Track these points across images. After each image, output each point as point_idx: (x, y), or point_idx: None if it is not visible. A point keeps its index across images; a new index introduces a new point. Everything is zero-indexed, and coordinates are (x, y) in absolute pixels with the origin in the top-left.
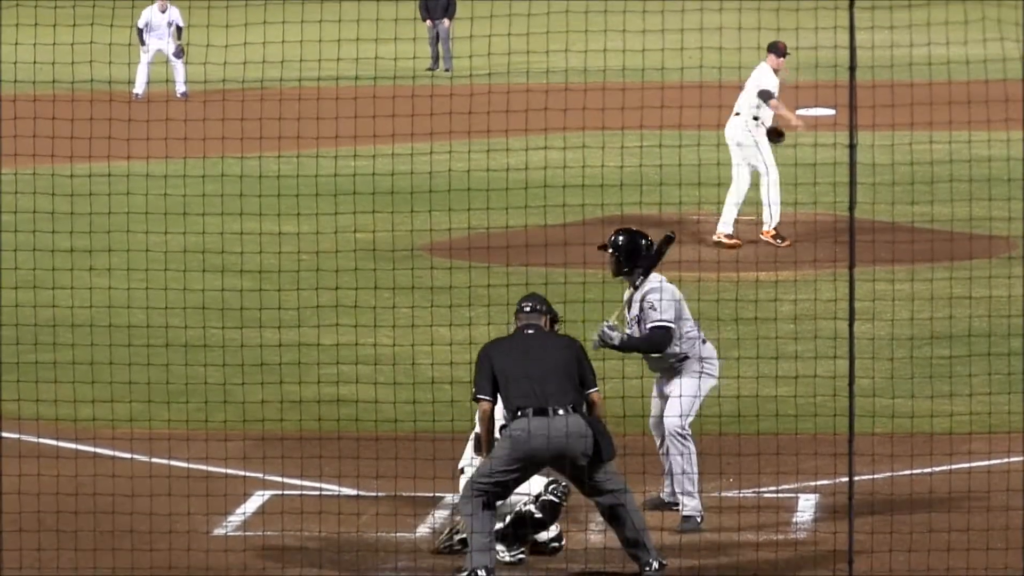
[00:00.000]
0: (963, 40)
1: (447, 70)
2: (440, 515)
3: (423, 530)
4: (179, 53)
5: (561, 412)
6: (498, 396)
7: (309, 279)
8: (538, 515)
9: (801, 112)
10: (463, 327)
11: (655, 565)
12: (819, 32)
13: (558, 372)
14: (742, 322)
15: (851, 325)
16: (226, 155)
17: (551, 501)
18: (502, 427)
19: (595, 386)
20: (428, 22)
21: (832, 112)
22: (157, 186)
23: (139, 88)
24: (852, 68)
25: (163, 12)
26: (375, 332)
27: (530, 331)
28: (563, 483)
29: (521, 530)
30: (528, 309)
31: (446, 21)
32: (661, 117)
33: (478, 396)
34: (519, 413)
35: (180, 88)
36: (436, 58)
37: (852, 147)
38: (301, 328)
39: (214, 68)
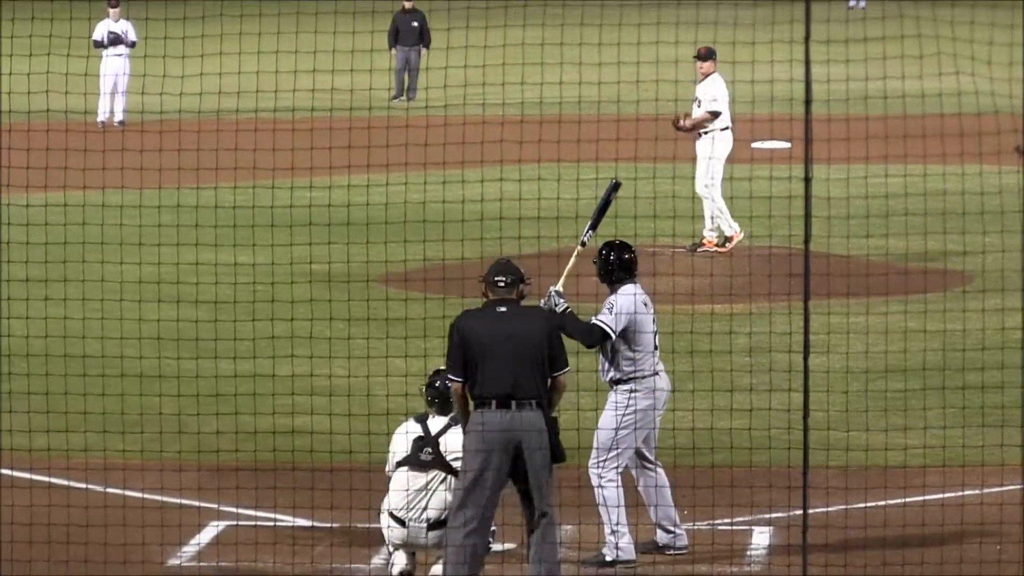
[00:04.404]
0: (918, 74)
1: (410, 99)
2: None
3: (377, 561)
4: (119, 41)
5: (521, 406)
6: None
7: (264, 310)
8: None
9: (756, 145)
10: (418, 358)
11: None
12: (775, 66)
13: (528, 358)
14: (697, 354)
15: (806, 358)
16: (182, 185)
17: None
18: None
19: (565, 367)
20: (394, 51)
21: (787, 145)
22: (113, 216)
23: (102, 117)
24: (808, 102)
25: (116, 21)
26: (330, 363)
27: (502, 308)
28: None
29: None
30: (503, 284)
31: (421, 49)
32: (616, 150)
33: (450, 377)
34: (483, 402)
35: (118, 117)
36: (402, 87)
37: (807, 180)
38: (256, 359)
39: (170, 98)
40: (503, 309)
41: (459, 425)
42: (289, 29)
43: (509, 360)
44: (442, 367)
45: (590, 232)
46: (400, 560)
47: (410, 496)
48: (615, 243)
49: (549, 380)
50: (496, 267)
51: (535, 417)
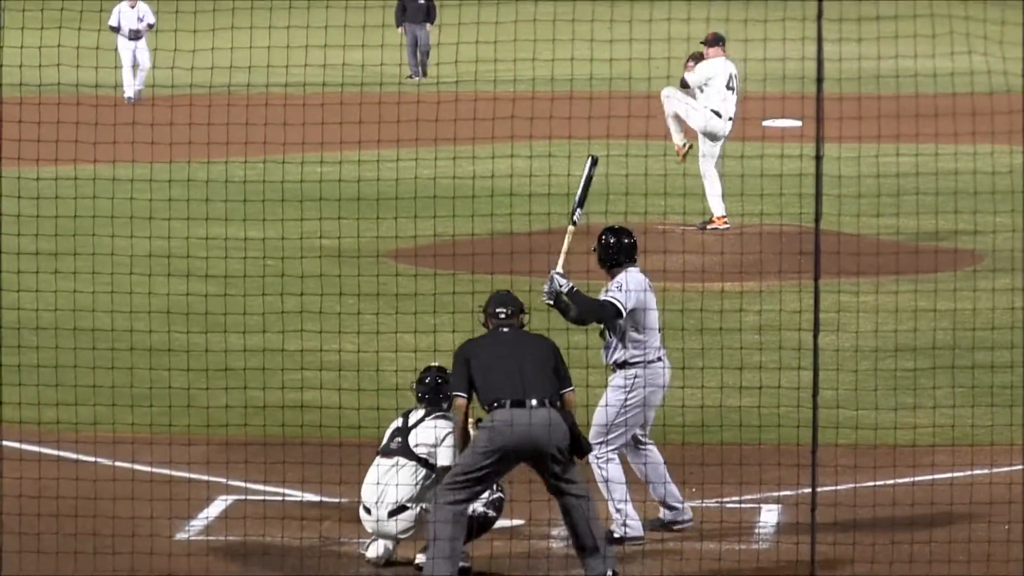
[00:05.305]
0: (931, 53)
1: (423, 75)
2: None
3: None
4: (137, 35)
5: (538, 404)
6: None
7: (274, 284)
8: (492, 514)
9: (768, 123)
10: (427, 334)
11: (609, 574)
12: (787, 44)
13: (535, 365)
14: (707, 332)
15: (815, 336)
16: (192, 160)
17: (500, 498)
18: (478, 420)
19: (570, 385)
20: (401, 28)
21: (799, 124)
22: (123, 190)
23: (129, 92)
24: (819, 80)
25: (132, 8)
26: (339, 338)
27: (506, 330)
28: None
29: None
30: (503, 316)
31: (427, 26)
32: (628, 127)
33: (453, 393)
34: (496, 405)
35: (135, 89)
36: (417, 66)
37: (818, 159)
38: (266, 333)
39: (182, 73)
40: (506, 330)
41: (434, 419)
42: (300, 3)
43: (519, 370)
44: (433, 363)
45: (579, 210)
46: (376, 547)
47: (372, 482)
48: (615, 228)
49: (559, 401)
50: (496, 298)
51: (551, 413)
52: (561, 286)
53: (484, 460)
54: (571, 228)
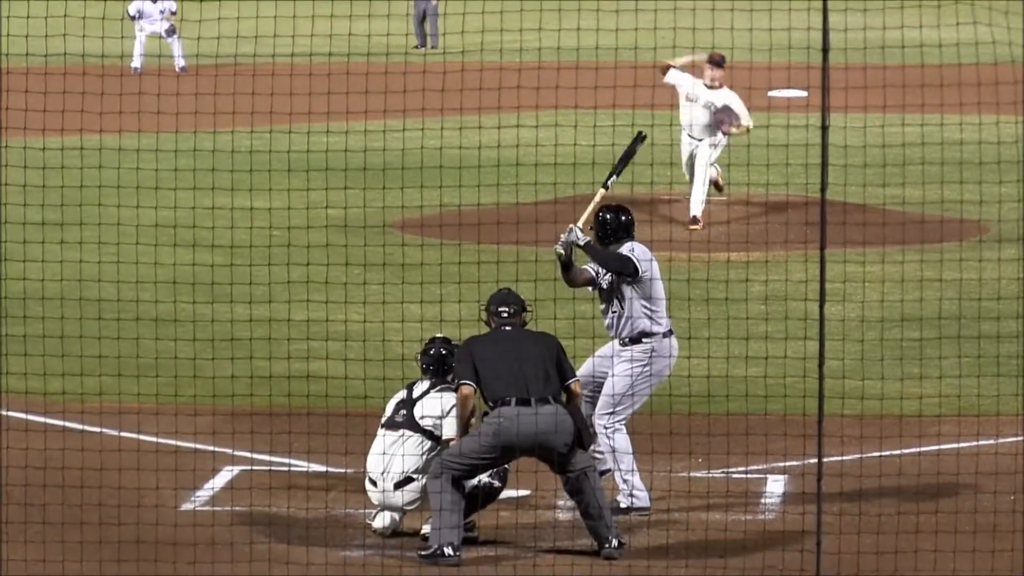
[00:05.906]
0: (936, 23)
1: (434, 47)
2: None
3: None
4: (171, 31)
5: (542, 403)
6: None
7: (280, 255)
8: (497, 484)
9: (773, 93)
10: (433, 304)
11: (614, 543)
12: (792, 13)
13: (537, 363)
14: (713, 302)
15: (822, 306)
16: (199, 130)
17: (504, 469)
18: (484, 414)
19: (574, 376)
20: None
21: (804, 93)
22: (129, 160)
23: (136, 62)
24: (825, 50)
25: (155, 1)
26: (346, 308)
27: (508, 328)
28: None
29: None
30: (506, 315)
31: None
32: (634, 96)
33: (460, 381)
34: (501, 402)
35: (179, 63)
36: (424, 37)
37: (824, 129)
38: (272, 303)
39: (188, 43)
40: (508, 329)
41: (440, 391)
42: None
43: (521, 367)
44: (439, 335)
45: (614, 177)
46: (382, 518)
47: (377, 455)
48: (613, 205)
49: (564, 394)
50: (498, 297)
51: (555, 410)
52: (578, 238)
53: (488, 452)
54: (602, 191)
